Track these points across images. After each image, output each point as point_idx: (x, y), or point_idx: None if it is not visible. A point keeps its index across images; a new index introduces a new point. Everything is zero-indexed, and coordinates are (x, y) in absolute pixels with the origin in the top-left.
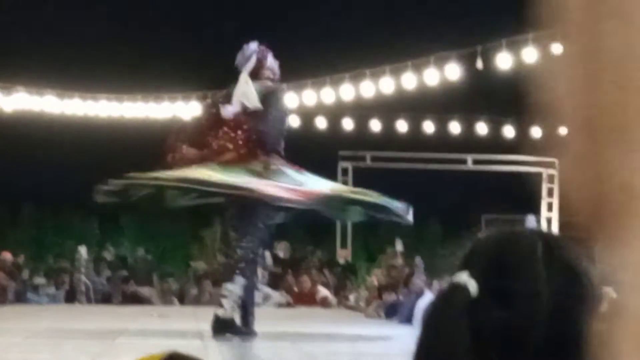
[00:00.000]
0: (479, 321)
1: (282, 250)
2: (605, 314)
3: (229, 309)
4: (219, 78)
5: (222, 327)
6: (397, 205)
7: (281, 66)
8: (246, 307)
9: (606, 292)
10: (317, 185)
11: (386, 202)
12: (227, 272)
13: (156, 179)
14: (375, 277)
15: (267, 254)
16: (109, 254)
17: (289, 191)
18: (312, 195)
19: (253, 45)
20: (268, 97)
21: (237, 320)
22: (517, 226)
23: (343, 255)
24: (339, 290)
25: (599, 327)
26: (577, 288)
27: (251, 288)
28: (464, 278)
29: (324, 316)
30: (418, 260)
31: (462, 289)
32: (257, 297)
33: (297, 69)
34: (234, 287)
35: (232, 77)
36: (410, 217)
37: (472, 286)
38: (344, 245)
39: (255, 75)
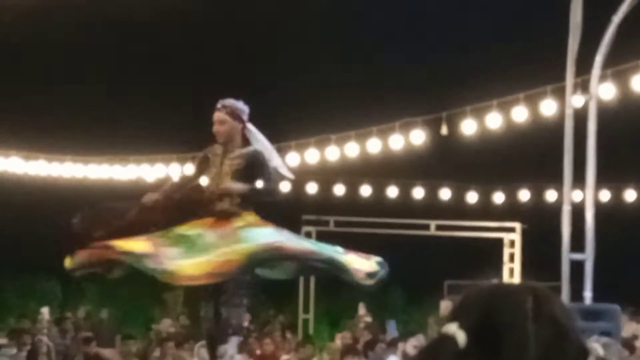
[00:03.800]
0: None
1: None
2: None
3: None
4: (186, 141)
5: None
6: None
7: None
8: None
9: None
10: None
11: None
12: (220, 333)
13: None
14: (340, 340)
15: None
16: (72, 315)
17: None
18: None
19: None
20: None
21: None
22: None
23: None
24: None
25: None
26: (564, 343)
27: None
28: (453, 329)
29: None
30: (391, 324)
31: (450, 339)
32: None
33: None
34: (229, 347)
35: (199, 140)
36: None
37: (461, 337)
38: (306, 309)
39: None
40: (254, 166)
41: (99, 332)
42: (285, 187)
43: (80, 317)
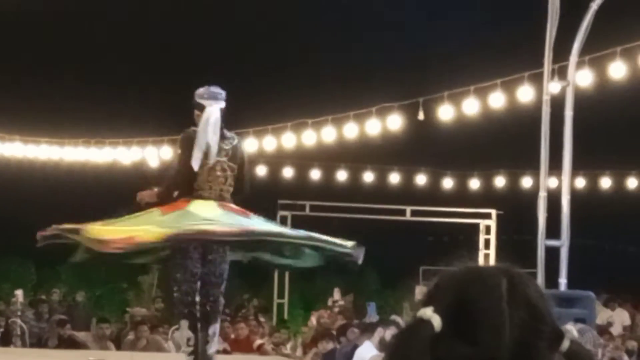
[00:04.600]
0: (442, 356)
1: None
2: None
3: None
4: (161, 125)
5: None
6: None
7: (224, 113)
8: None
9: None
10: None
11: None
12: (211, 314)
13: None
14: (315, 318)
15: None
16: (47, 298)
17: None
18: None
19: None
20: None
21: None
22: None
23: None
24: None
25: None
26: (539, 325)
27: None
28: (429, 313)
29: None
30: (371, 306)
31: (426, 323)
32: None
33: (239, 117)
34: (215, 328)
35: (174, 123)
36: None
37: (436, 321)
38: (281, 293)
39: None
40: None
41: (74, 314)
42: (261, 171)
43: (55, 299)
